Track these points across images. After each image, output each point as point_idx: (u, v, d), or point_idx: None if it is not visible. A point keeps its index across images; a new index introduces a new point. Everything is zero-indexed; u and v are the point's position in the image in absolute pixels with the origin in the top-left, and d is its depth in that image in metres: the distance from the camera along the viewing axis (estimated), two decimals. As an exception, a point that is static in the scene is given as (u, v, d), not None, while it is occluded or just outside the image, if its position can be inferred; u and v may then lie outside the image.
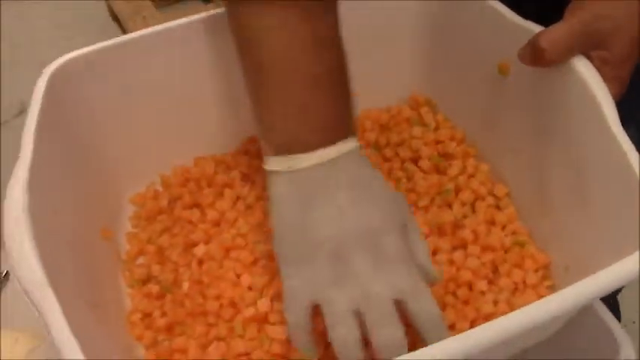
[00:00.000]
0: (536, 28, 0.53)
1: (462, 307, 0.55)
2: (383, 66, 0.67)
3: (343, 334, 0.44)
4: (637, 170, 0.45)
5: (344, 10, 0.49)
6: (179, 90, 0.62)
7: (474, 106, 0.64)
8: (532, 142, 0.57)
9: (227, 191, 0.62)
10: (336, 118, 0.47)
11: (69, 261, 0.49)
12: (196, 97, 0.63)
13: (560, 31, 0.49)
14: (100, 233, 0.57)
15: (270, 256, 0.57)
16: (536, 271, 0.57)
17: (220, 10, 0.58)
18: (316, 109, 0.46)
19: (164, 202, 0.63)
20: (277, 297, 0.55)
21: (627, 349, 0.48)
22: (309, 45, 0.46)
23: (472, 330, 0.38)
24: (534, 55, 0.51)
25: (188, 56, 0.60)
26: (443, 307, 0.55)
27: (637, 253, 0.41)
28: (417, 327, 0.44)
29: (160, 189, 0.65)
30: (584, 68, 0.50)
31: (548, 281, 0.56)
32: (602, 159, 0.48)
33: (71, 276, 0.48)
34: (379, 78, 0.67)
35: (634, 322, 1.29)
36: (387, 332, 0.43)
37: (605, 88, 0.49)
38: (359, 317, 0.44)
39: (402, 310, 0.44)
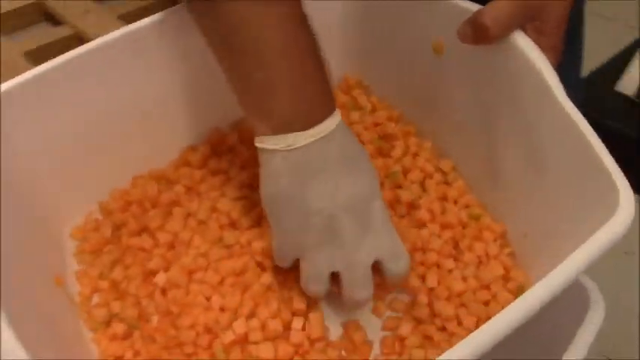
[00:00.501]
0: (470, 5, 0.53)
1: (434, 288, 0.56)
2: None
3: (315, 291, 0.52)
4: (588, 137, 0.47)
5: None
6: (104, 106, 0.58)
7: (411, 85, 0.64)
8: (477, 116, 0.58)
9: (175, 210, 0.59)
10: (325, 93, 0.50)
11: (31, 320, 0.45)
12: (124, 112, 0.59)
13: (502, 7, 0.50)
14: (54, 280, 0.53)
15: (237, 271, 0.55)
16: (495, 240, 0.58)
17: (143, 22, 0.54)
18: (313, 85, 0.48)
19: (107, 232, 0.59)
20: (252, 314, 0.54)
21: (597, 304, 0.51)
22: (298, 22, 0.48)
23: (478, 331, 0.38)
24: (477, 33, 0.51)
25: (111, 72, 0.56)
26: (416, 291, 0.56)
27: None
28: (387, 280, 0.53)
29: (101, 218, 0.61)
30: (523, 41, 0.51)
31: (507, 249, 0.58)
32: (552, 128, 0.50)
33: (34, 335, 0.44)
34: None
35: None
36: (358, 292, 0.51)
37: (546, 59, 0.51)
38: (336, 276, 0.51)
39: (376, 267, 0.52)
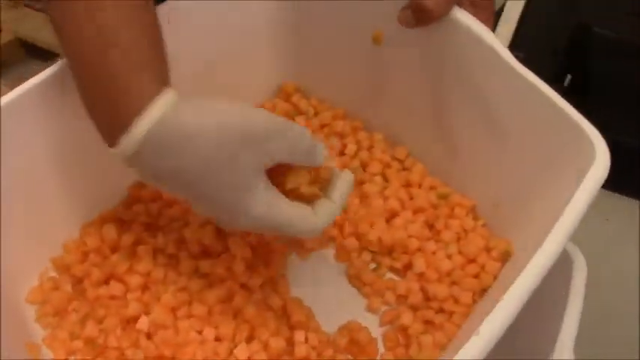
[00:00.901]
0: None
1: (423, 272, 0.55)
2: (247, 63, 0.64)
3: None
4: (549, 95, 0.49)
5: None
6: (41, 152, 0.53)
7: (352, 81, 0.63)
8: (427, 97, 0.58)
9: (140, 249, 0.55)
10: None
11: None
12: (61, 156, 0.54)
13: None
14: (26, 350, 0.48)
15: (223, 298, 0.52)
16: (467, 215, 0.59)
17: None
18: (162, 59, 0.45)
19: (68, 288, 0.54)
20: (251, 337, 0.51)
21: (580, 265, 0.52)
22: (144, 6, 0.44)
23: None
24: (420, 16, 0.52)
25: (39, 119, 0.51)
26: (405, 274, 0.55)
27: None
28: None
29: (57, 275, 0.56)
30: (463, 16, 0.52)
31: (480, 221, 0.59)
32: (508, 93, 0.51)
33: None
34: (246, 76, 0.64)
35: None
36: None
37: (488, 29, 0.52)
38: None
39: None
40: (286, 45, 0.65)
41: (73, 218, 0.57)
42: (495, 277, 0.55)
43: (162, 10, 0.50)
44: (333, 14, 0.60)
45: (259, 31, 0.63)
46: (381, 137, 0.64)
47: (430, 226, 0.59)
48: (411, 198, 0.60)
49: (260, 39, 0.63)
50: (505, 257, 0.55)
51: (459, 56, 0.54)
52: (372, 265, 0.57)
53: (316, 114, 0.66)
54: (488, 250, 0.56)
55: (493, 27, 0.55)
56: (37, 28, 1.20)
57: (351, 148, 0.63)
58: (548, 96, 0.48)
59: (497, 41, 0.51)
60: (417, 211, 0.59)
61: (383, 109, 0.63)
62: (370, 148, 0.63)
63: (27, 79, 0.50)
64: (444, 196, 0.60)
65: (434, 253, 0.57)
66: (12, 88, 0.49)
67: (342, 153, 0.63)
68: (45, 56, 1.14)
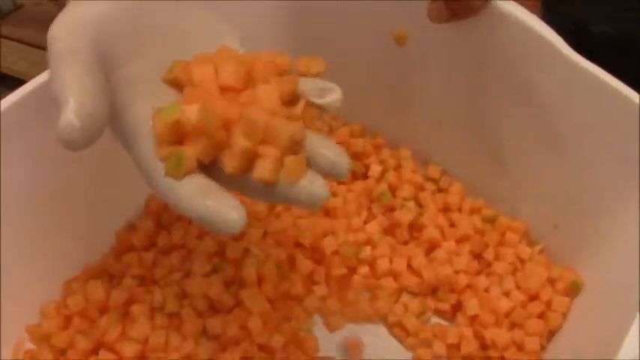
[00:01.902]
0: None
1: (476, 315, 0.46)
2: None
3: None
4: (621, 90, 0.40)
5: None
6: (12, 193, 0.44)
7: (369, 91, 0.54)
8: (464, 104, 0.50)
9: (134, 309, 0.46)
10: None
11: None
12: (38, 201, 0.45)
13: None
14: None
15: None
16: (520, 240, 0.50)
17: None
18: None
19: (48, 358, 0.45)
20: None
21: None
22: None
23: None
24: (456, 8, 0.43)
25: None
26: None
27: None
28: None
29: (34, 346, 0.46)
30: (508, 5, 0.43)
31: (537, 246, 0.49)
32: (566, 88, 0.43)
33: None
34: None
35: None
36: None
37: (538, 19, 0.43)
38: None
39: None
40: (288, 50, 0.55)
41: (51, 274, 0.48)
42: (565, 316, 0.46)
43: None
44: (344, 13, 0.51)
45: (258, 34, 0.53)
46: (409, 154, 0.55)
47: (478, 256, 0.50)
48: (452, 225, 0.51)
49: (259, 43, 0.54)
50: (574, 290, 0.46)
51: (503, 53, 0.45)
52: (416, 310, 0.48)
53: (330, 131, 0.57)
54: (551, 282, 0.47)
55: (541, 14, 0.46)
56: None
57: (375, 169, 0.54)
58: (624, 95, 0.40)
59: (553, 32, 0.43)
60: (460, 240, 0.50)
61: (409, 121, 0.54)
62: (398, 167, 0.54)
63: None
64: (490, 220, 0.51)
65: (487, 290, 0.47)
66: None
67: (365, 176, 0.54)
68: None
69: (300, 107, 0.33)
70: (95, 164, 0.46)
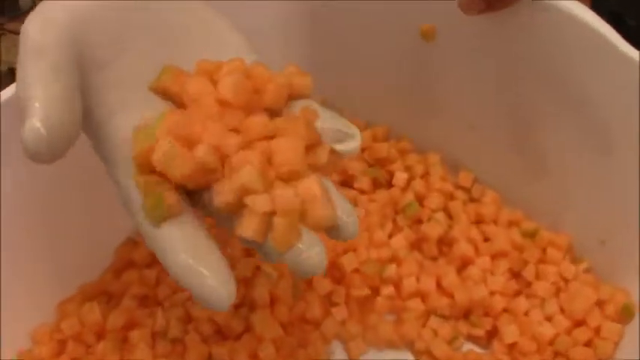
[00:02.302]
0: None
1: (515, 343, 0.41)
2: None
3: None
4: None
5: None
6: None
7: (392, 91, 0.49)
8: (499, 104, 0.45)
9: (133, 334, 0.41)
10: None
11: None
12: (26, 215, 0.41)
13: None
14: None
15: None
16: (564, 257, 0.45)
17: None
18: None
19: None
20: None
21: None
22: None
23: None
24: None
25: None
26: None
27: None
28: None
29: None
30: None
31: (583, 264, 0.44)
32: (618, 87, 0.38)
33: None
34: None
35: None
36: None
37: (587, 8, 0.38)
38: None
39: None
40: (303, 47, 0.50)
41: (45, 294, 0.44)
42: (617, 344, 0.40)
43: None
44: (365, 6, 0.46)
45: (270, 33, 0.49)
46: (438, 160, 0.49)
47: (516, 275, 0.44)
48: (487, 239, 0.46)
49: (271, 43, 0.49)
50: (626, 315, 0.41)
51: (545, 48, 0.40)
52: (446, 336, 0.43)
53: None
54: (600, 305, 0.42)
55: (590, 3, 0.41)
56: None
57: (400, 177, 0.49)
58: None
59: (606, 24, 0.38)
60: (496, 257, 0.45)
61: (437, 123, 0.49)
62: (425, 175, 0.49)
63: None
64: (530, 234, 0.45)
65: (526, 313, 0.42)
66: None
67: (389, 184, 0.49)
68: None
69: (323, 156, 0.28)
70: (93, 174, 0.41)
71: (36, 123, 0.24)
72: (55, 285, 0.44)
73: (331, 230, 0.28)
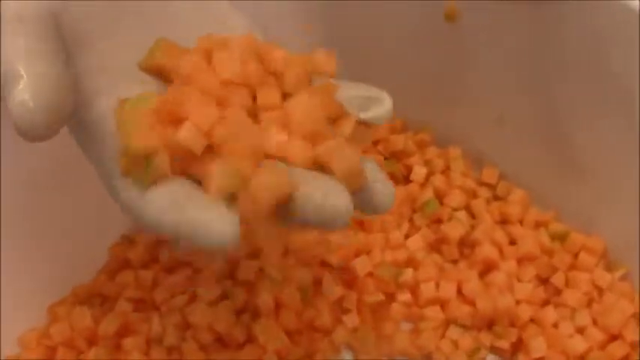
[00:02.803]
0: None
1: (543, 355, 0.38)
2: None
3: None
4: None
5: None
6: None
7: (413, 78, 0.45)
8: (530, 92, 0.41)
9: (127, 342, 0.38)
10: None
11: None
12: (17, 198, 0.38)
13: None
14: None
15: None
16: (598, 263, 0.41)
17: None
18: None
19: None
20: None
21: None
22: None
23: None
24: None
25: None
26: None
27: None
28: None
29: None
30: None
31: (619, 270, 0.40)
32: None
33: None
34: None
35: None
36: None
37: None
38: None
39: None
40: (320, 31, 0.47)
41: (34, 297, 0.40)
42: (656, 362, 0.37)
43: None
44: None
45: (281, 12, 0.45)
46: (459, 154, 0.46)
47: (544, 282, 0.41)
48: (512, 241, 0.42)
49: (281, 24, 0.46)
50: (667, 329, 0.37)
51: (589, 35, 0.36)
52: (467, 347, 0.39)
53: (366, 127, 0.48)
54: (636, 317, 0.38)
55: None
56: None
57: (418, 172, 0.45)
58: None
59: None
60: (523, 261, 0.41)
61: (460, 113, 0.45)
62: (446, 170, 0.45)
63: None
64: (560, 236, 0.42)
65: (555, 325, 0.39)
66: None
67: (407, 180, 0.45)
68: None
69: (348, 127, 0.25)
70: (86, 167, 0.39)
71: (23, 93, 0.22)
72: (46, 287, 0.41)
73: (363, 197, 0.24)
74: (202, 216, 0.21)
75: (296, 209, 0.23)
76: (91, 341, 0.39)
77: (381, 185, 0.24)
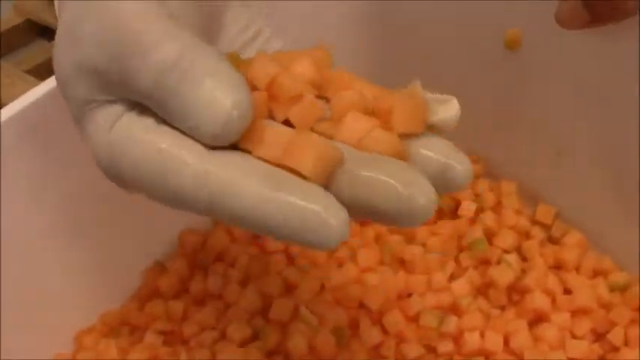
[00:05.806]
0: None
1: None
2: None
3: None
4: None
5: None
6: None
7: (468, 105, 0.42)
8: (597, 129, 0.38)
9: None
10: None
11: None
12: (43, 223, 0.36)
13: None
14: None
15: None
16: (662, 320, 0.37)
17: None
18: None
19: None
20: None
21: None
22: None
23: None
24: (609, 9, 0.30)
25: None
26: None
27: None
28: None
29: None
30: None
31: (685, 329, 0.37)
32: None
33: None
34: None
35: None
36: None
37: None
38: None
39: None
40: (370, 55, 0.44)
41: (62, 323, 0.39)
42: None
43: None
44: (437, 10, 0.40)
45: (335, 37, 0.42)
46: (514, 188, 0.43)
47: (600, 338, 0.37)
48: (567, 290, 0.39)
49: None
50: None
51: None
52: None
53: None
54: None
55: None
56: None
57: (467, 206, 0.42)
58: None
59: None
60: (577, 314, 0.38)
61: (516, 145, 0.42)
62: (497, 206, 0.42)
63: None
64: (621, 288, 0.38)
65: (612, 388, 0.36)
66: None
67: (454, 214, 0.43)
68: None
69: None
70: (118, 189, 0.37)
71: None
72: (74, 313, 0.40)
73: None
74: (309, 205, 0.18)
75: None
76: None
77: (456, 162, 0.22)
